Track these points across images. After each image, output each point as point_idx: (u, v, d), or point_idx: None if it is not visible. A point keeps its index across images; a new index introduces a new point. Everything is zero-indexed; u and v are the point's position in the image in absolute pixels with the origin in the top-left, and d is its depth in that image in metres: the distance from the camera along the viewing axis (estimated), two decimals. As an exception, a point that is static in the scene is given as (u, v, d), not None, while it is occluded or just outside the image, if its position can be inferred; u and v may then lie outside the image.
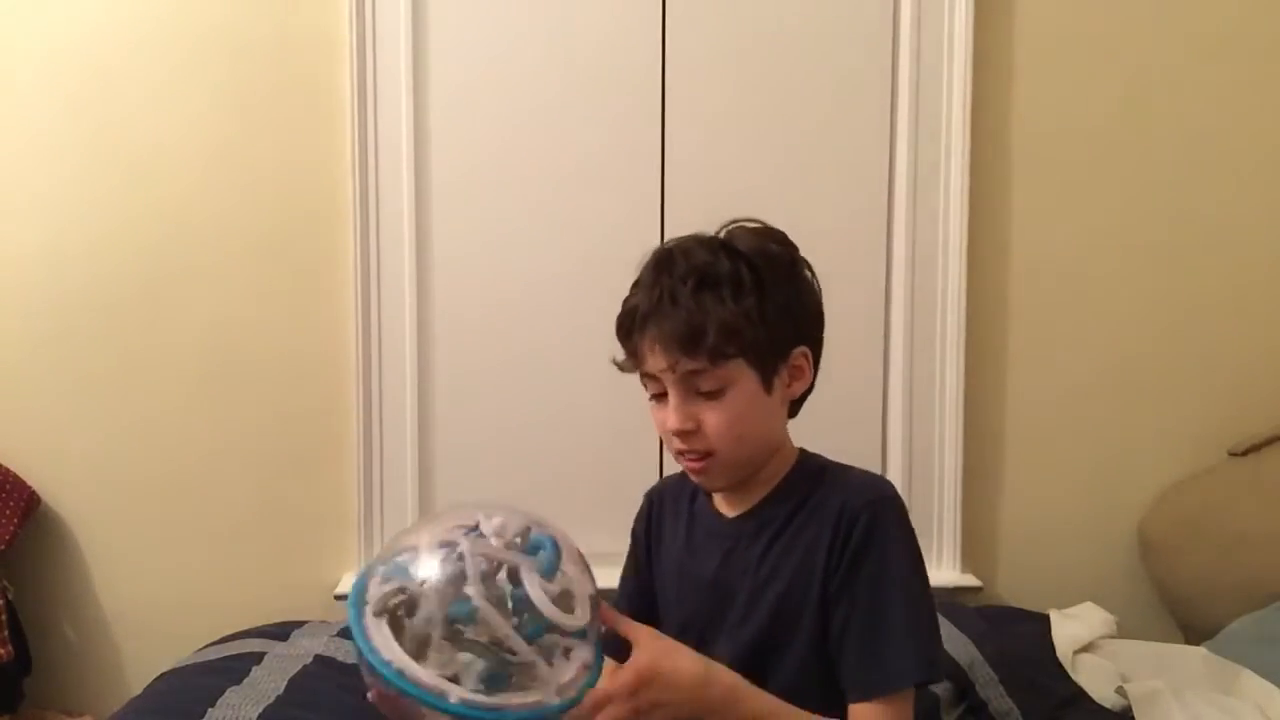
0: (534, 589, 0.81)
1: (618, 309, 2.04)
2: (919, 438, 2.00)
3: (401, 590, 0.81)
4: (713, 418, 1.01)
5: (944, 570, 2.02)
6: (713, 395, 1.01)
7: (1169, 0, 2.00)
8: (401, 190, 1.91)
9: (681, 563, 1.15)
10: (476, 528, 0.86)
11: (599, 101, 1.93)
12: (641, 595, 1.21)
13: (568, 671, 0.83)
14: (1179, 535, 1.94)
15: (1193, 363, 2.06)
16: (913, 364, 1.99)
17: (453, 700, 0.77)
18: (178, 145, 1.91)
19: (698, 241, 1.07)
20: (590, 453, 1.97)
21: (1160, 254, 2.04)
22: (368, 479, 1.95)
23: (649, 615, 1.16)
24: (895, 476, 1.99)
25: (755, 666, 1.01)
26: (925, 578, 1.03)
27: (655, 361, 1.03)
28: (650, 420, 1.08)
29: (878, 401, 2.01)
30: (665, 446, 1.08)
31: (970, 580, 2.00)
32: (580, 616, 0.84)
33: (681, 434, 1.03)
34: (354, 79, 1.88)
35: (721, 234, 1.09)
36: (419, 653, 0.78)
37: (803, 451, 1.13)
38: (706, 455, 1.03)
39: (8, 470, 1.89)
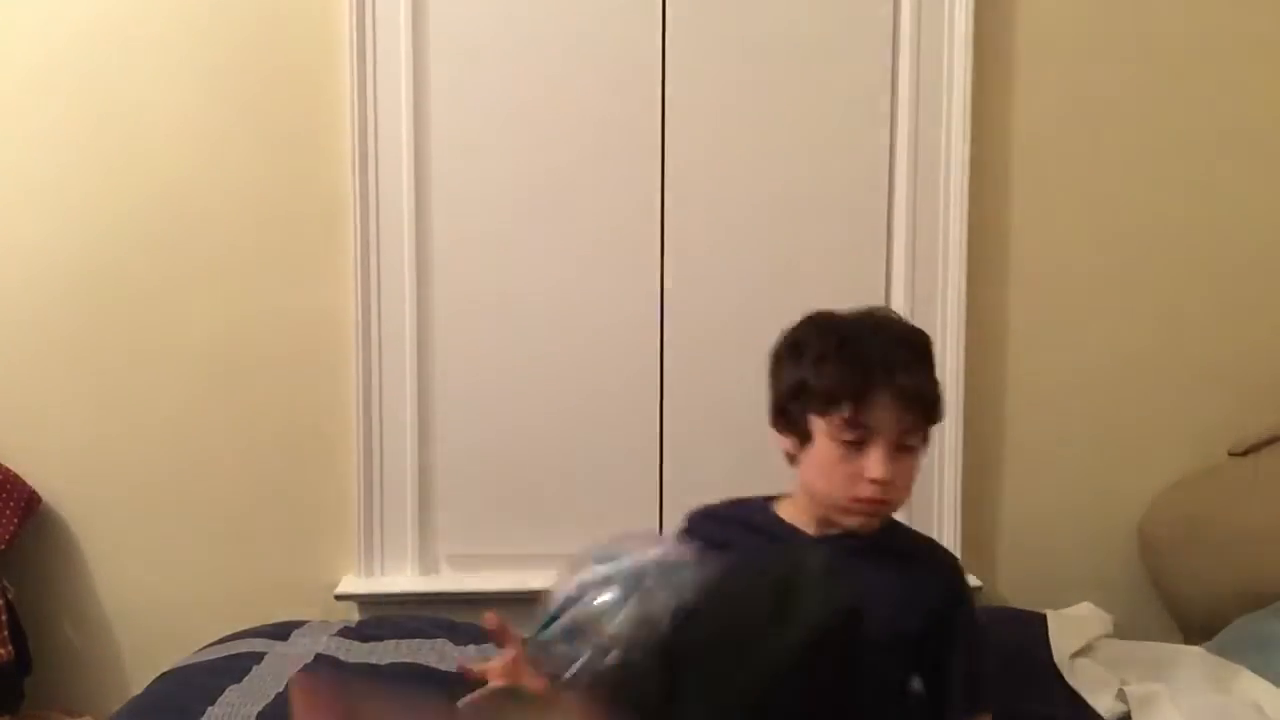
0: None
1: (618, 306, 2.06)
2: (919, 438, 2.00)
3: None
4: (906, 471, 1.16)
5: (944, 570, 2.02)
6: (909, 451, 1.16)
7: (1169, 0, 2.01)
8: (401, 189, 1.91)
9: None
10: None
11: (599, 98, 1.93)
12: None
13: None
14: (1179, 535, 1.94)
15: (1193, 363, 2.06)
16: (913, 364, 1.99)
17: None
18: (176, 142, 1.91)
19: (884, 312, 1.27)
20: (592, 451, 1.97)
21: (1160, 253, 2.04)
22: (368, 479, 1.95)
23: None
24: (895, 476, 1.99)
25: (891, 658, 1.15)
26: None
27: (886, 417, 1.13)
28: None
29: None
30: (830, 491, 1.17)
31: (970, 580, 1.99)
32: None
33: (883, 483, 1.13)
34: (354, 73, 1.88)
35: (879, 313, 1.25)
36: None
37: None
38: (884, 502, 1.16)
39: (8, 470, 1.89)
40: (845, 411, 1.14)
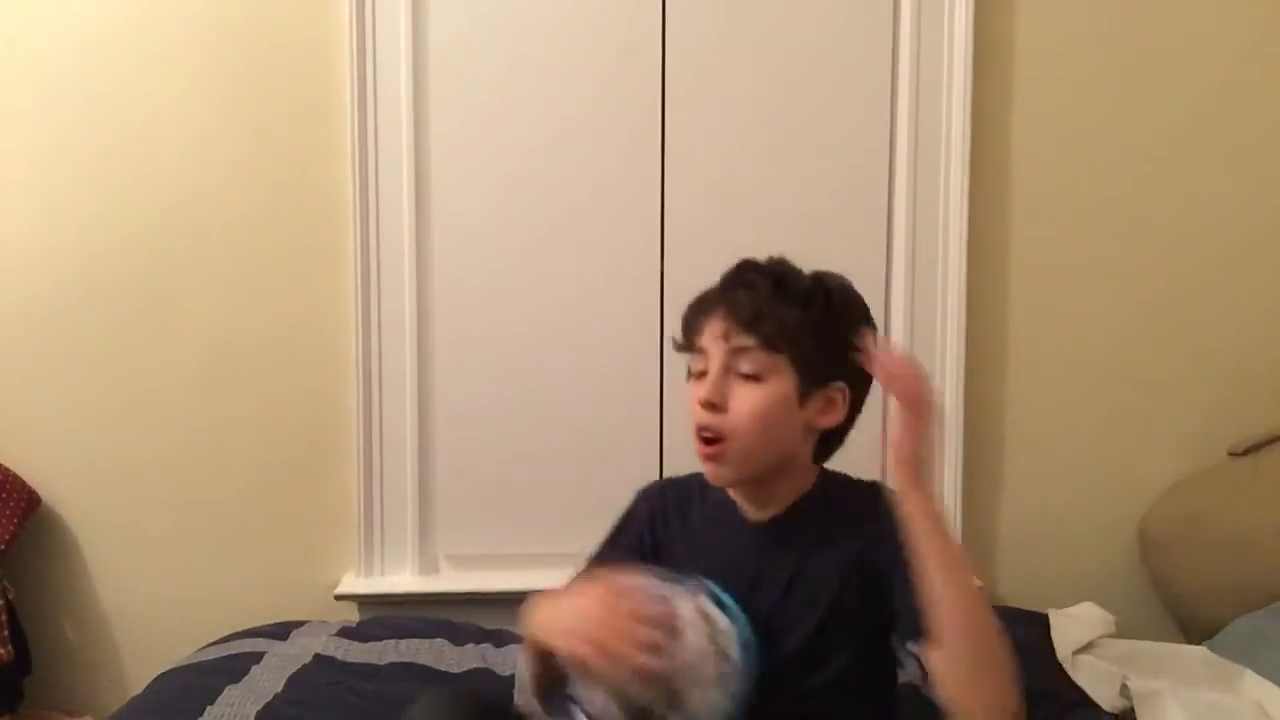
0: None
1: (618, 306, 2.06)
2: (919, 438, 2.00)
3: None
4: (743, 398, 1.05)
5: (944, 570, 2.02)
6: (750, 379, 1.05)
7: (1168, 0, 2.01)
8: (401, 191, 1.91)
9: (700, 558, 1.14)
10: None
11: (599, 97, 1.93)
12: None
13: None
14: (1179, 535, 1.94)
15: (1193, 363, 2.06)
16: (913, 364, 1.99)
17: None
18: (178, 153, 1.91)
19: (788, 260, 1.13)
20: (591, 452, 1.97)
21: (1160, 254, 2.04)
22: (368, 479, 1.95)
23: None
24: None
25: (815, 656, 1.08)
26: None
27: (710, 334, 1.07)
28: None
29: (877, 401, 2.01)
30: (691, 429, 1.09)
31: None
32: None
33: (709, 405, 1.05)
34: (354, 75, 1.88)
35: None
36: None
37: (822, 471, 1.17)
38: (722, 440, 1.05)
39: (8, 470, 1.89)
40: (682, 337, 1.12)
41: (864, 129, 1.97)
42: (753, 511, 1.14)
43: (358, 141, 1.89)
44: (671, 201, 1.95)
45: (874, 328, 1.12)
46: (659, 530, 1.21)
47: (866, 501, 1.10)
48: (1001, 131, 2.00)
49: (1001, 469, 2.06)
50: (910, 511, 0.98)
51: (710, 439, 1.06)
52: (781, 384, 1.06)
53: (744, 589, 1.08)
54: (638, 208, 1.95)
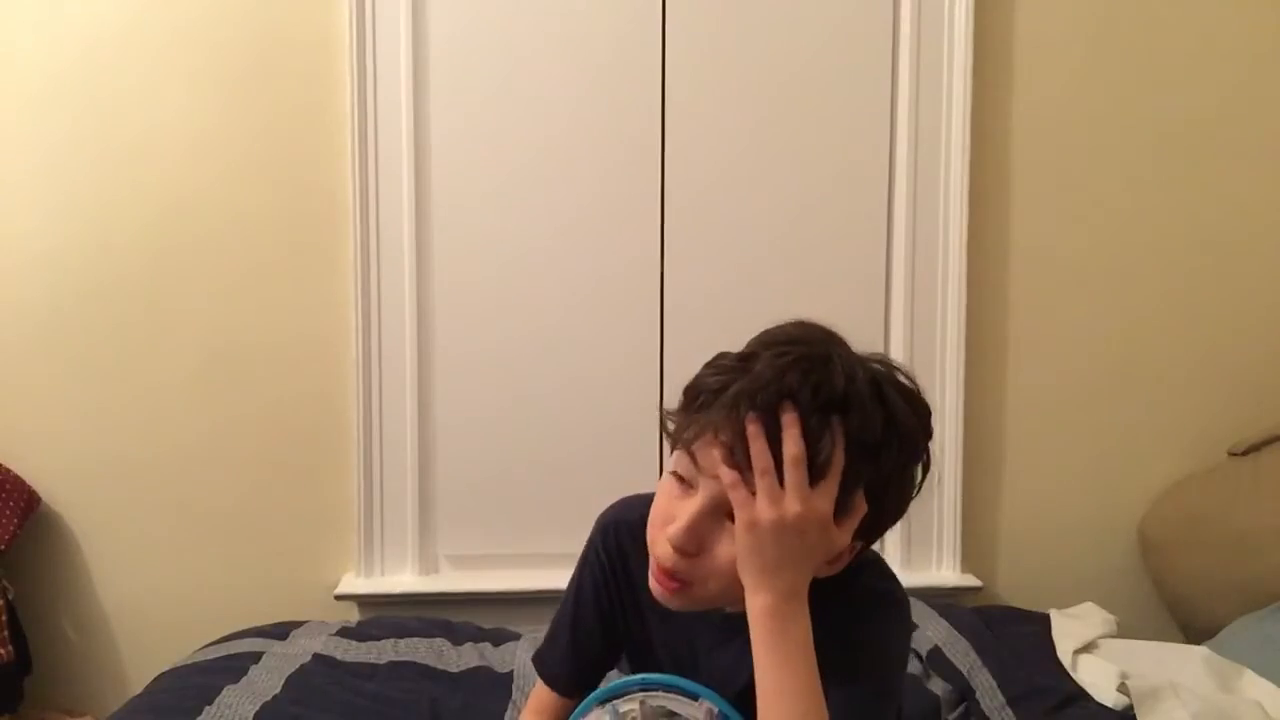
0: None
1: (618, 306, 2.03)
2: (919, 438, 2.00)
3: None
4: (725, 552, 0.84)
5: (944, 570, 2.02)
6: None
7: (1169, 0, 2.01)
8: (401, 191, 1.91)
9: (658, 631, 1.03)
10: None
11: (599, 97, 1.93)
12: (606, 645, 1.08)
13: None
14: (1179, 535, 1.94)
15: (1193, 363, 2.06)
16: (913, 364, 1.97)
17: None
18: (179, 154, 1.91)
19: (852, 358, 0.85)
20: (591, 452, 1.97)
21: (1160, 253, 2.05)
22: (368, 478, 1.95)
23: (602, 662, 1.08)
24: (895, 476, 1.99)
25: None
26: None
27: (710, 456, 0.83)
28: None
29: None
30: (648, 534, 0.91)
31: (970, 580, 2.01)
32: None
33: (679, 551, 0.85)
34: (354, 75, 1.88)
35: (878, 364, 0.87)
36: None
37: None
38: (687, 583, 0.86)
39: (8, 470, 1.89)
40: (675, 427, 0.87)
41: (864, 129, 1.97)
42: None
43: (358, 141, 1.89)
44: (671, 202, 1.95)
45: (926, 455, 0.92)
46: (614, 599, 1.06)
47: (852, 607, 0.91)
48: (1001, 131, 2.00)
49: (1001, 469, 2.06)
50: (750, 612, 0.82)
51: (672, 575, 0.86)
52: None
53: (701, 680, 0.92)
54: (638, 209, 1.95)
